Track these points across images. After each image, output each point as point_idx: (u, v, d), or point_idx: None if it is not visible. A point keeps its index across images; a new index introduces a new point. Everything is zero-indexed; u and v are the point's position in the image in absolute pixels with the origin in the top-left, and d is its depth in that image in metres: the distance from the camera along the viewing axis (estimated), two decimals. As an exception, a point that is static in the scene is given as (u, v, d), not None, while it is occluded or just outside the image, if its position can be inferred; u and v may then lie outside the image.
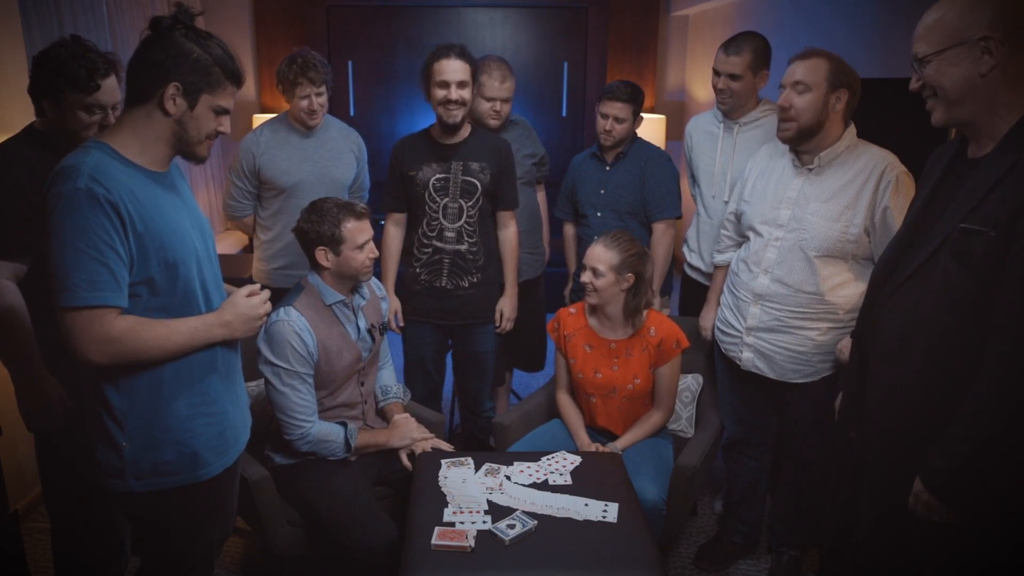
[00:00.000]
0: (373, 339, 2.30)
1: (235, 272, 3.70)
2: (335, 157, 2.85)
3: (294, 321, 2.09)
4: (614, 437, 2.44)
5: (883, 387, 1.57)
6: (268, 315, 1.66)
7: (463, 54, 2.52)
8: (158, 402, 1.51)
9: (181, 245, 1.49)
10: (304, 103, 2.72)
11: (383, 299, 2.43)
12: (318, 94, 2.72)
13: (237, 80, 1.52)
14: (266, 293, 1.64)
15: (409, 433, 2.26)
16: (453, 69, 2.49)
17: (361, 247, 2.15)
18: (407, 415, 2.36)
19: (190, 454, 1.55)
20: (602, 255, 2.34)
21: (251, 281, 3.02)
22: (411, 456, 2.24)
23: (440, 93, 2.51)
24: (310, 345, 2.11)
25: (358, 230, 2.14)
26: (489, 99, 2.84)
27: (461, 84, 2.50)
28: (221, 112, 1.52)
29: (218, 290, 1.63)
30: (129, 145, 1.46)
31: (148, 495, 1.53)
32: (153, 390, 1.50)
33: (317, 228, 2.12)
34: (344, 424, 2.21)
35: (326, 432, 2.16)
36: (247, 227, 2.98)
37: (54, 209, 1.36)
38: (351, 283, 2.22)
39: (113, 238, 1.38)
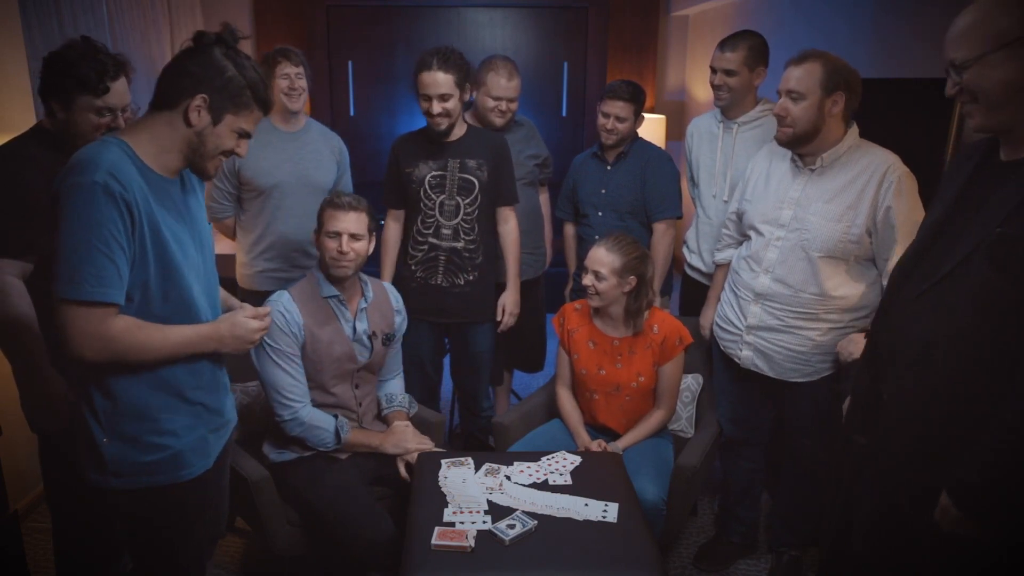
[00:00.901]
0: (373, 345, 2.30)
1: (233, 272, 3.68)
2: (316, 160, 2.82)
3: (283, 300, 2.16)
4: (615, 435, 2.44)
5: (905, 393, 1.52)
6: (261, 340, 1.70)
7: (445, 64, 2.47)
8: (140, 403, 1.51)
9: (180, 253, 1.49)
10: (284, 83, 2.72)
11: (398, 312, 2.42)
12: (297, 75, 2.74)
13: (265, 107, 1.54)
14: (268, 320, 1.67)
15: (404, 442, 2.25)
16: (435, 83, 2.47)
17: (332, 236, 2.16)
18: (407, 423, 2.34)
19: (172, 456, 1.54)
20: (604, 258, 2.33)
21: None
22: (408, 467, 2.23)
23: (424, 105, 2.54)
24: (293, 325, 2.14)
25: (332, 217, 2.18)
26: (496, 98, 2.83)
27: (442, 97, 2.49)
28: (243, 135, 1.54)
29: (211, 304, 1.62)
30: (145, 147, 1.47)
31: (130, 492, 1.53)
32: (137, 392, 1.50)
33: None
34: (336, 416, 2.21)
35: (319, 418, 2.17)
36: (228, 229, 2.95)
37: (67, 200, 1.36)
38: (332, 276, 2.21)
39: (122, 235, 1.38)
